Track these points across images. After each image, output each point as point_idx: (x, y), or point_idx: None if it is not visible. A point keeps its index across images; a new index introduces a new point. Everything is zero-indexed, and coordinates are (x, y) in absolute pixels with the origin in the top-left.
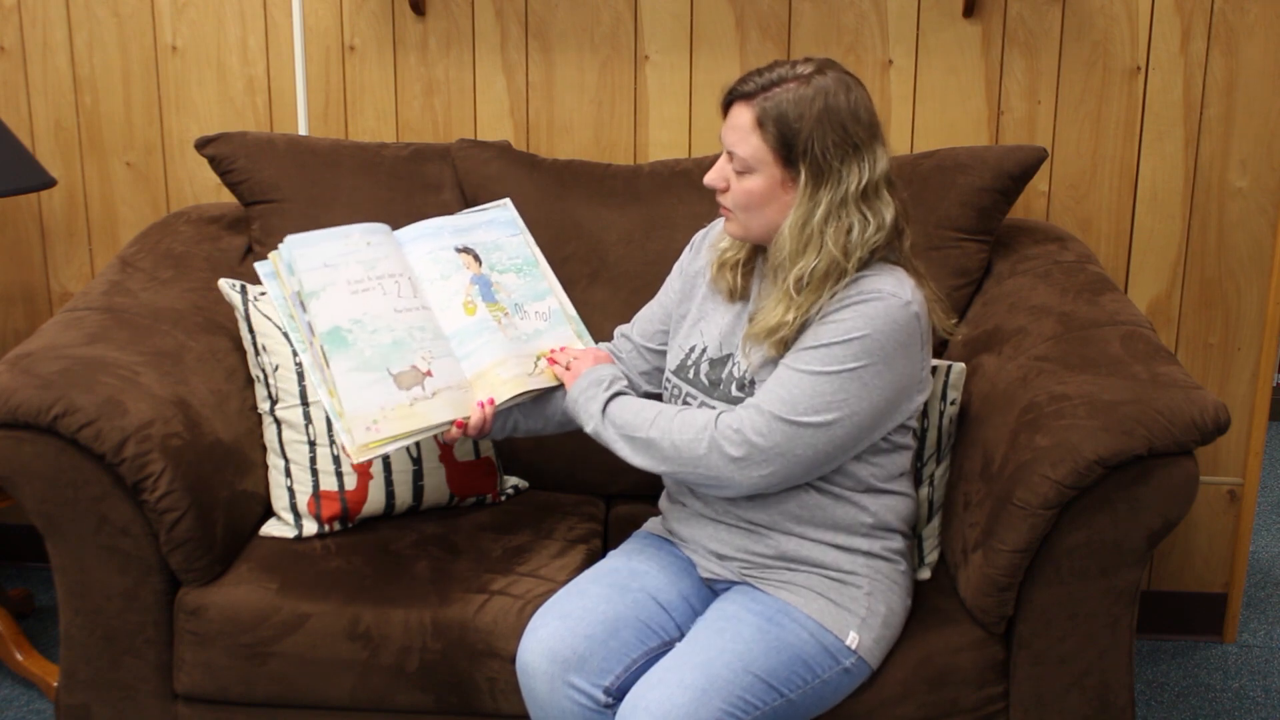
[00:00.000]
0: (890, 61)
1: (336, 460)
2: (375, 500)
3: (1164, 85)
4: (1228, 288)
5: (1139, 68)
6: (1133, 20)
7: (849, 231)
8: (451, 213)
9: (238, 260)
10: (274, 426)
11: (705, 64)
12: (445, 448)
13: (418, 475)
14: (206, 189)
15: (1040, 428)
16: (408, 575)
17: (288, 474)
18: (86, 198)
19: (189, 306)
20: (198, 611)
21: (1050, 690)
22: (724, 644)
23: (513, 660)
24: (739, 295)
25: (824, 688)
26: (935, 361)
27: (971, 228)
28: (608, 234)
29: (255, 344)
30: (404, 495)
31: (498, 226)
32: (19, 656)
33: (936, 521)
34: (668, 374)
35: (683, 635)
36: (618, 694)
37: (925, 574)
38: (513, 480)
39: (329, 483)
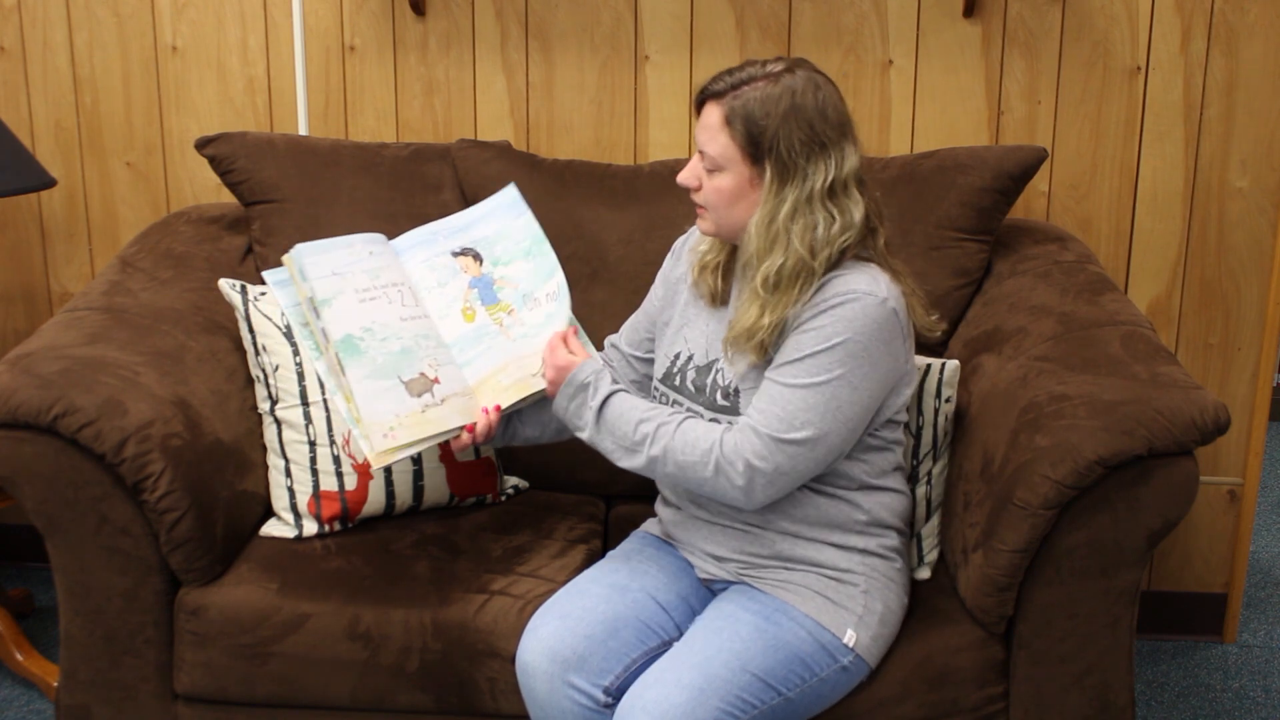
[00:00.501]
0: (890, 61)
1: (336, 460)
2: (375, 500)
3: (1164, 85)
4: (1228, 288)
5: (1139, 68)
6: (1133, 20)
7: (815, 229)
8: (452, 213)
9: (238, 260)
10: (274, 426)
11: (705, 64)
12: (445, 448)
13: (418, 475)
14: (206, 189)
15: (1040, 428)
16: (408, 575)
17: (288, 474)
18: (86, 198)
19: (189, 306)
20: (198, 611)
21: (1050, 690)
22: (721, 643)
23: (513, 660)
24: (720, 299)
25: (822, 686)
26: (930, 359)
27: (971, 228)
28: (608, 234)
29: (255, 344)
30: (404, 495)
31: (501, 213)
32: (19, 656)
33: (935, 520)
34: (655, 381)
35: (682, 635)
36: (617, 694)
37: (925, 573)
38: (513, 480)
39: (329, 483)
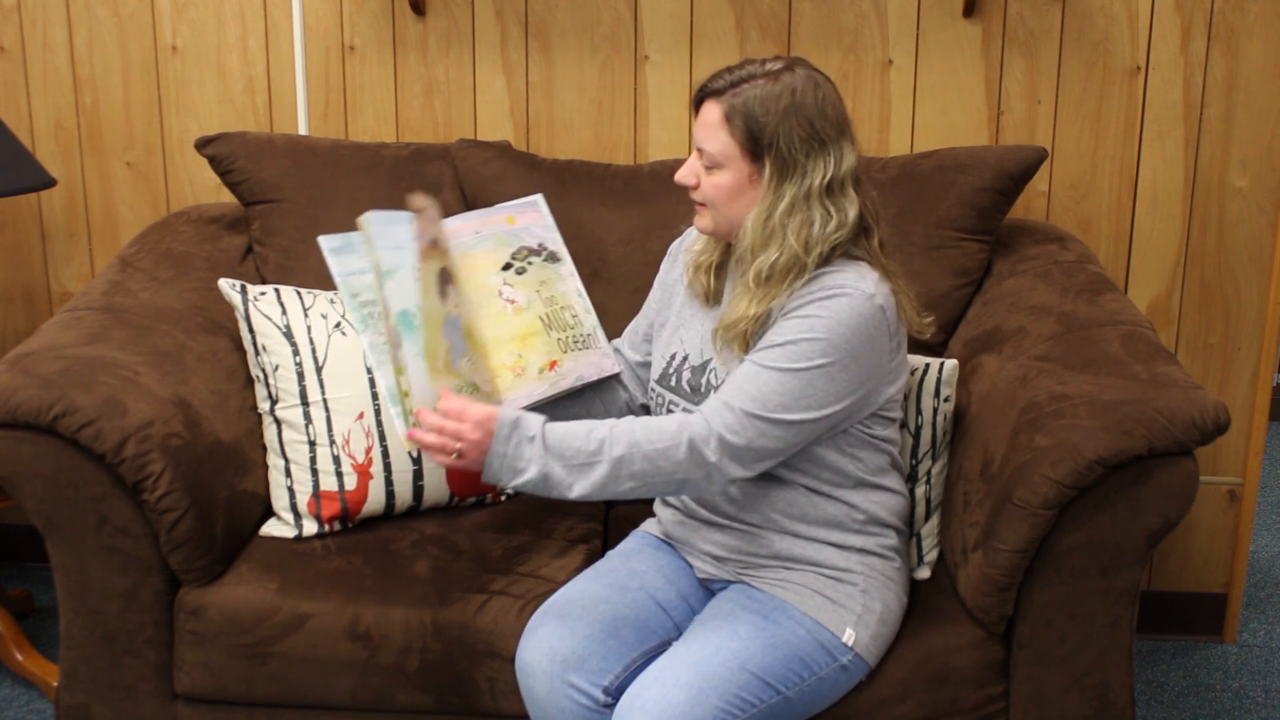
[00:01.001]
0: (890, 61)
1: (336, 460)
2: (375, 500)
3: (1164, 85)
4: (1228, 288)
5: (1139, 68)
6: (1133, 20)
7: (811, 226)
8: (452, 213)
9: (238, 260)
10: (274, 426)
11: (705, 64)
12: None
13: (418, 475)
14: (206, 189)
15: (1040, 428)
16: (408, 575)
17: (288, 474)
18: (86, 198)
19: (189, 306)
20: (198, 611)
21: (1050, 690)
22: (720, 642)
23: (512, 660)
24: (713, 299)
25: (821, 685)
26: (929, 359)
27: (971, 228)
28: (608, 234)
29: (255, 344)
30: (404, 495)
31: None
32: (19, 656)
33: (935, 520)
34: (651, 383)
35: (681, 635)
36: (617, 693)
37: (925, 573)
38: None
39: (329, 483)
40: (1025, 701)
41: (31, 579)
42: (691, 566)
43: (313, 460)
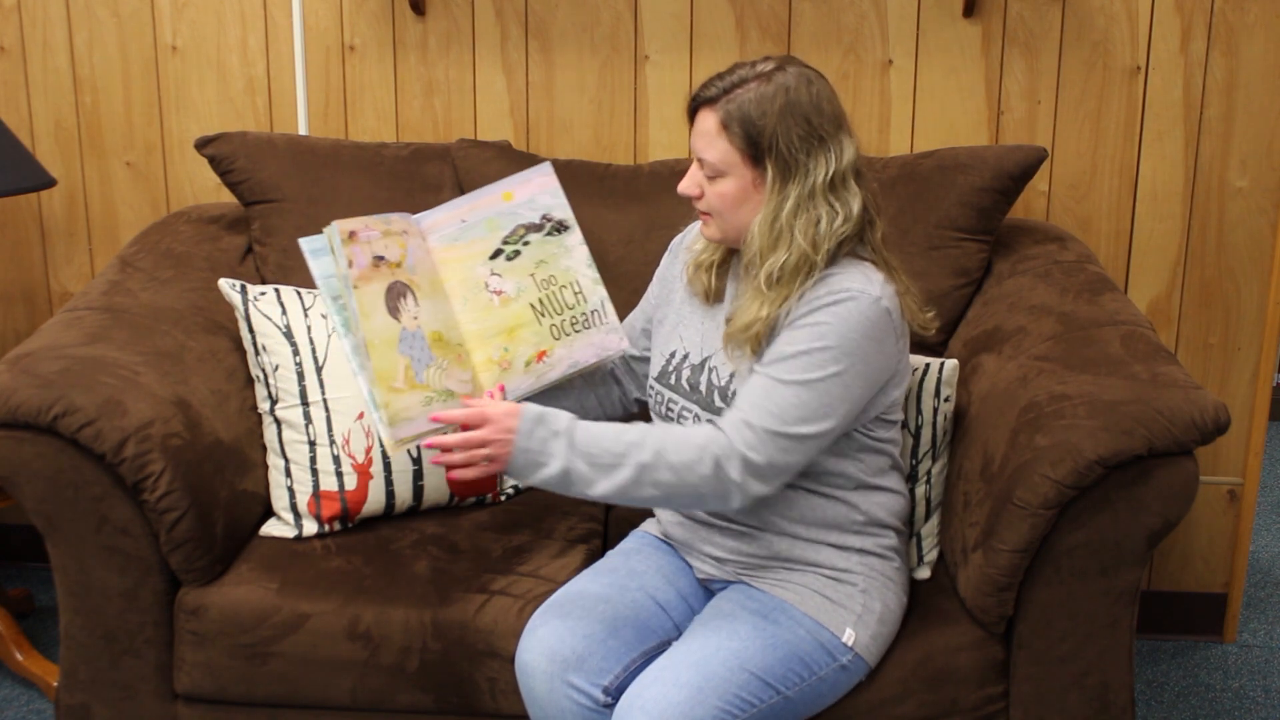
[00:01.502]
0: (890, 61)
1: (336, 460)
2: (375, 500)
3: (1164, 85)
4: (1228, 288)
5: (1139, 68)
6: (1133, 20)
7: (818, 223)
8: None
9: (238, 260)
10: (274, 426)
11: (705, 64)
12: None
13: (418, 475)
14: (206, 189)
15: (1040, 428)
16: (408, 575)
17: (288, 474)
18: (86, 198)
19: (189, 306)
20: (198, 611)
21: (1050, 690)
22: (720, 642)
23: (512, 660)
24: (714, 297)
25: (821, 685)
26: (929, 359)
27: (971, 228)
28: (608, 234)
29: (255, 344)
30: (404, 495)
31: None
32: (19, 656)
33: (935, 520)
34: (650, 380)
35: (681, 635)
36: (616, 693)
37: (925, 573)
38: (513, 480)
39: (329, 483)
40: (1025, 701)
41: (31, 579)
42: (691, 567)
43: (313, 460)
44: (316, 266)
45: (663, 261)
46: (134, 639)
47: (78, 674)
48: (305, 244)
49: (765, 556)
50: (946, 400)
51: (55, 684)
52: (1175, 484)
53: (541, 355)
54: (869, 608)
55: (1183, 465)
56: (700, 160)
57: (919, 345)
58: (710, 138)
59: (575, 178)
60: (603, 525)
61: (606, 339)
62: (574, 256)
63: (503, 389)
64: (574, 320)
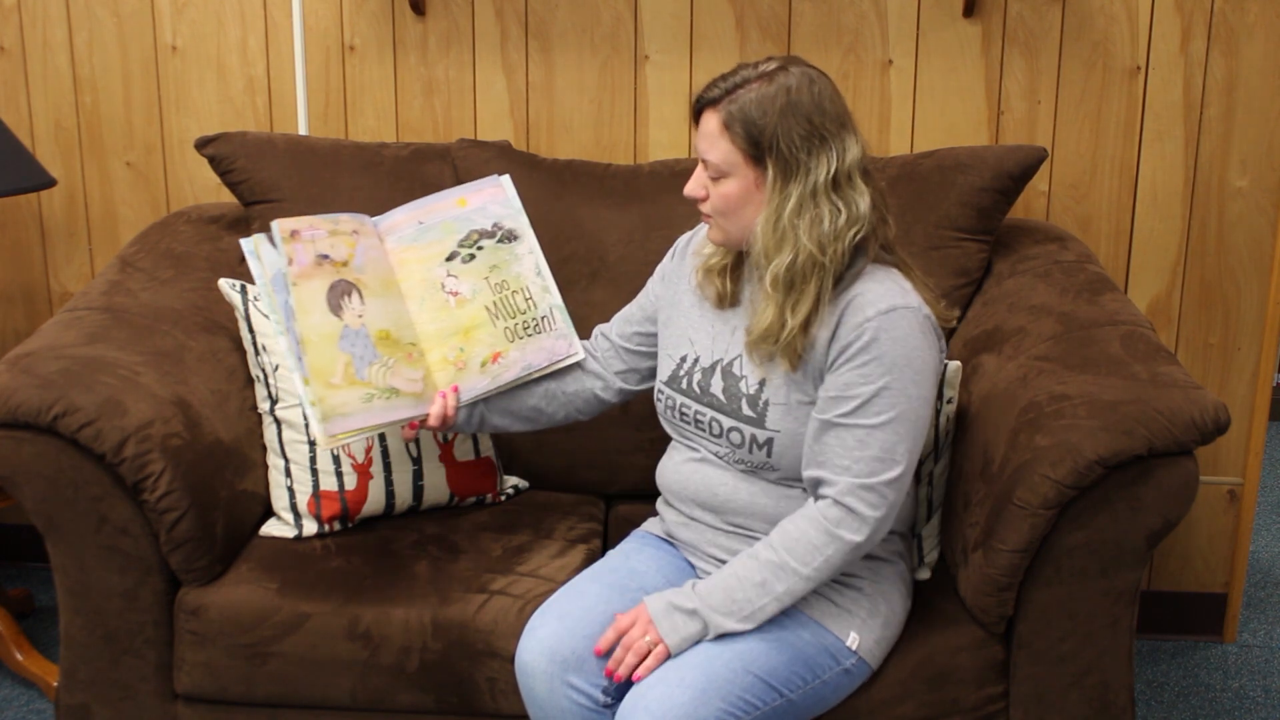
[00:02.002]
0: (890, 61)
1: (336, 460)
2: (375, 500)
3: (1164, 85)
4: (1228, 288)
5: (1139, 68)
6: (1133, 20)
7: (821, 223)
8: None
9: (238, 260)
10: (274, 426)
11: (705, 64)
12: (445, 448)
13: (418, 475)
14: (206, 189)
15: (1040, 428)
16: (408, 575)
17: (288, 474)
18: (86, 198)
19: (189, 306)
20: (198, 611)
21: (1050, 690)
22: (724, 643)
23: (512, 660)
24: (729, 301)
25: (824, 688)
26: None
27: (971, 228)
28: (608, 234)
29: (255, 344)
30: (404, 495)
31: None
32: (19, 656)
33: (936, 521)
34: (659, 385)
35: None
36: (616, 694)
37: (925, 574)
38: (513, 480)
39: (329, 482)
40: (1025, 701)
41: (31, 579)
42: (694, 567)
43: (313, 460)
44: (254, 266)
45: (665, 260)
46: (134, 639)
47: (78, 674)
48: (245, 244)
49: None
50: (949, 402)
51: (55, 684)
52: (1175, 484)
53: (496, 356)
54: (873, 611)
55: (1183, 465)
56: (704, 162)
57: None
58: (713, 139)
59: (575, 178)
60: (603, 525)
61: (556, 344)
62: (523, 264)
63: (457, 389)
64: (525, 325)
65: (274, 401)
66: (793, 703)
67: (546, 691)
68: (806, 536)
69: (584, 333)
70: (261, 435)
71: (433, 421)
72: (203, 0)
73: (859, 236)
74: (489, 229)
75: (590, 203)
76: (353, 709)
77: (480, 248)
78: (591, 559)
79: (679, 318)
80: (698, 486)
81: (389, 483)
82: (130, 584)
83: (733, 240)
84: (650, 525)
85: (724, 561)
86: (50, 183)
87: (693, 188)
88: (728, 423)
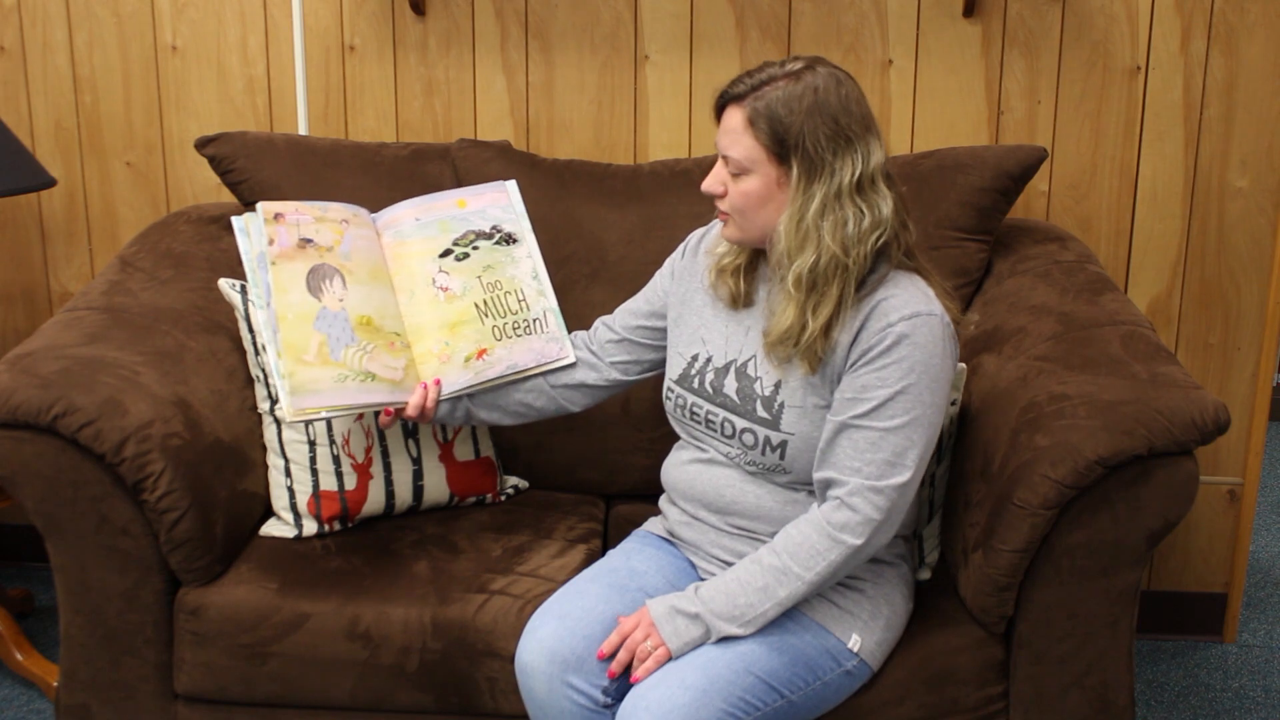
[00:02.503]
0: (890, 61)
1: (336, 460)
2: (375, 500)
3: (1164, 85)
4: (1228, 288)
5: (1139, 68)
6: (1133, 20)
7: (845, 225)
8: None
9: (238, 260)
10: (274, 426)
11: (705, 64)
12: (445, 446)
13: (418, 475)
14: (206, 189)
15: (1040, 428)
16: (408, 575)
17: (288, 474)
18: (86, 198)
19: (189, 306)
20: (198, 611)
21: (1050, 690)
22: (725, 645)
23: (512, 660)
24: (743, 301)
25: (825, 689)
26: None
27: (971, 228)
28: (608, 234)
29: (255, 344)
30: (404, 495)
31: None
32: (19, 656)
33: (937, 521)
34: (669, 383)
35: None
36: (616, 694)
37: (925, 574)
38: (513, 480)
39: (329, 482)
40: (1025, 701)
41: (31, 579)
42: (695, 566)
43: (312, 460)
44: (242, 243)
45: (674, 256)
46: (134, 639)
47: (78, 674)
48: (236, 222)
49: None
50: (953, 404)
51: (55, 684)
52: (1175, 484)
53: (481, 353)
54: (875, 614)
55: (1183, 465)
56: (725, 157)
57: None
58: (736, 134)
59: (575, 178)
60: (603, 525)
61: (547, 346)
62: (519, 267)
63: (439, 382)
64: (515, 325)
65: (274, 401)
66: (793, 704)
67: (546, 691)
68: (809, 541)
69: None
70: (261, 435)
71: (410, 411)
72: (203, 0)
73: (881, 241)
74: (486, 230)
75: (590, 203)
76: (353, 709)
77: (475, 247)
78: (591, 559)
79: (690, 316)
80: (704, 487)
81: (389, 483)
82: (130, 584)
83: (749, 238)
84: (651, 525)
85: (726, 562)
86: (50, 183)
87: (711, 183)
88: (741, 424)
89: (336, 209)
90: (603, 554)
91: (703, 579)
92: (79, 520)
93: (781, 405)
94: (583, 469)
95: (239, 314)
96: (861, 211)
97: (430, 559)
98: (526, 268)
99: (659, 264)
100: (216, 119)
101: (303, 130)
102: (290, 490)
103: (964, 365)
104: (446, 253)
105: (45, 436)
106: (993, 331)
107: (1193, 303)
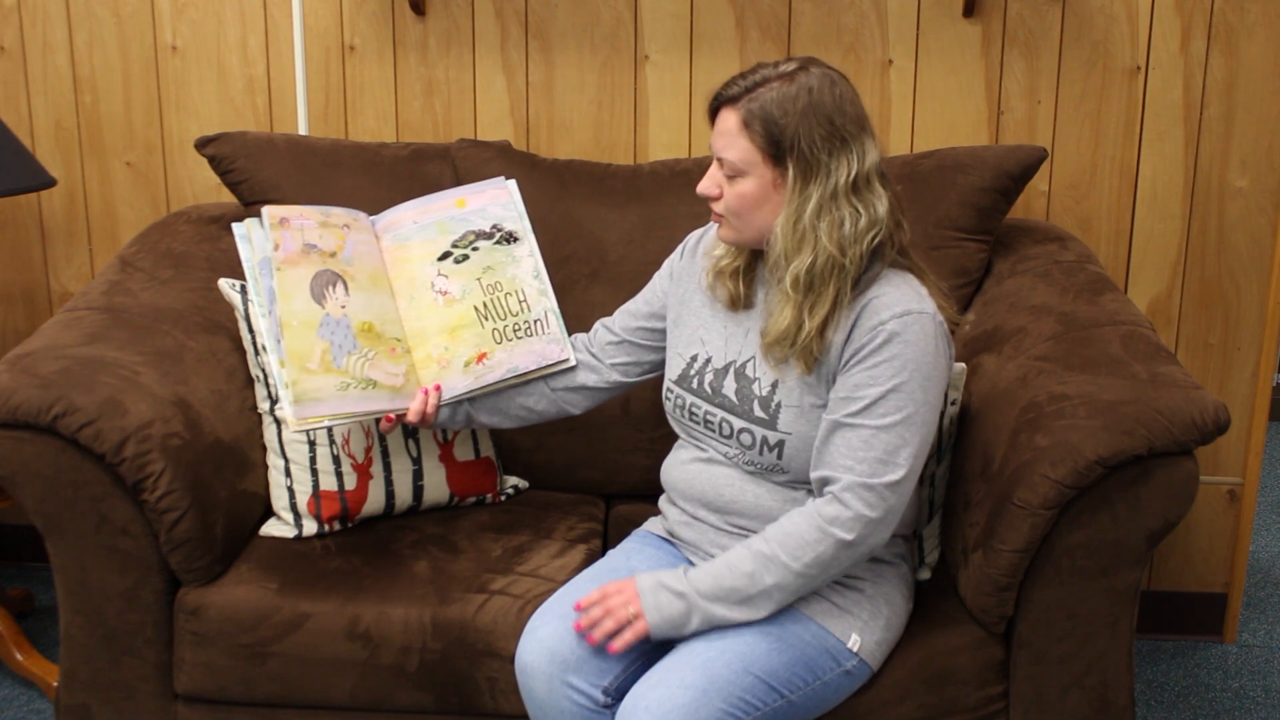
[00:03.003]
0: (890, 61)
1: (336, 460)
2: (375, 500)
3: (1164, 85)
4: (1228, 288)
5: (1139, 68)
6: (1133, 20)
7: (842, 225)
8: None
9: (238, 260)
10: (274, 426)
11: (705, 64)
12: (445, 447)
13: (418, 475)
14: (206, 189)
15: (1040, 428)
16: (408, 575)
17: (287, 474)
18: (86, 198)
19: (189, 306)
20: (198, 611)
21: (1050, 690)
22: (725, 644)
23: (512, 660)
24: (742, 303)
25: (825, 689)
26: None
27: (971, 228)
28: (608, 234)
29: (255, 344)
30: (404, 495)
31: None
32: (19, 656)
33: (937, 521)
34: (668, 384)
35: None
36: (616, 694)
37: (925, 574)
38: (513, 480)
39: (329, 482)
40: (1025, 701)
41: (31, 579)
42: (694, 566)
43: (312, 460)
44: (244, 249)
45: (673, 257)
46: (134, 639)
47: (78, 674)
48: (237, 229)
49: None
50: (953, 403)
51: (55, 684)
52: (1175, 484)
53: (481, 357)
54: (875, 613)
55: (1183, 465)
56: (720, 160)
57: None
58: (731, 136)
59: (575, 178)
60: (603, 525)
61: (547, 348)
62: (521, 267)
63: (439, 388)
64: (516, 327)
65: (274, 401)
66: (793, 704)
67: (546, 691)
68: (799, 531)
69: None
70: (261, 435)
71: (411, 417)
72: (203, 0)
73: (876, 240)
74: (487, 230)
75: (590, 203)
76: (353, 709)
77: (475, 248)
78: (591, 559)
79: (689, 317)
80: (704, 486)
81: (389, 483)
82: (130, 584)
83: (745, 240)
84: (651, 525)
85: None
86: (50, 183)
87: (706, 186)
88: (739, 424)
89: (338, 214)
90: (603, 554)
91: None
92: (79, 520)
93: (778, 405)
94: (583, 469)
95: (239, 314)
96: (858, 211)
97: (430, 559)
98: (528, 266)
99: (659, 264)
100: (216, 119)
101: (303, 130)
102: (290, 490)
103: (963, 365)
104: (445, 255)
105: (45, 436)
106: (993, 331)
107: (1193, 303)
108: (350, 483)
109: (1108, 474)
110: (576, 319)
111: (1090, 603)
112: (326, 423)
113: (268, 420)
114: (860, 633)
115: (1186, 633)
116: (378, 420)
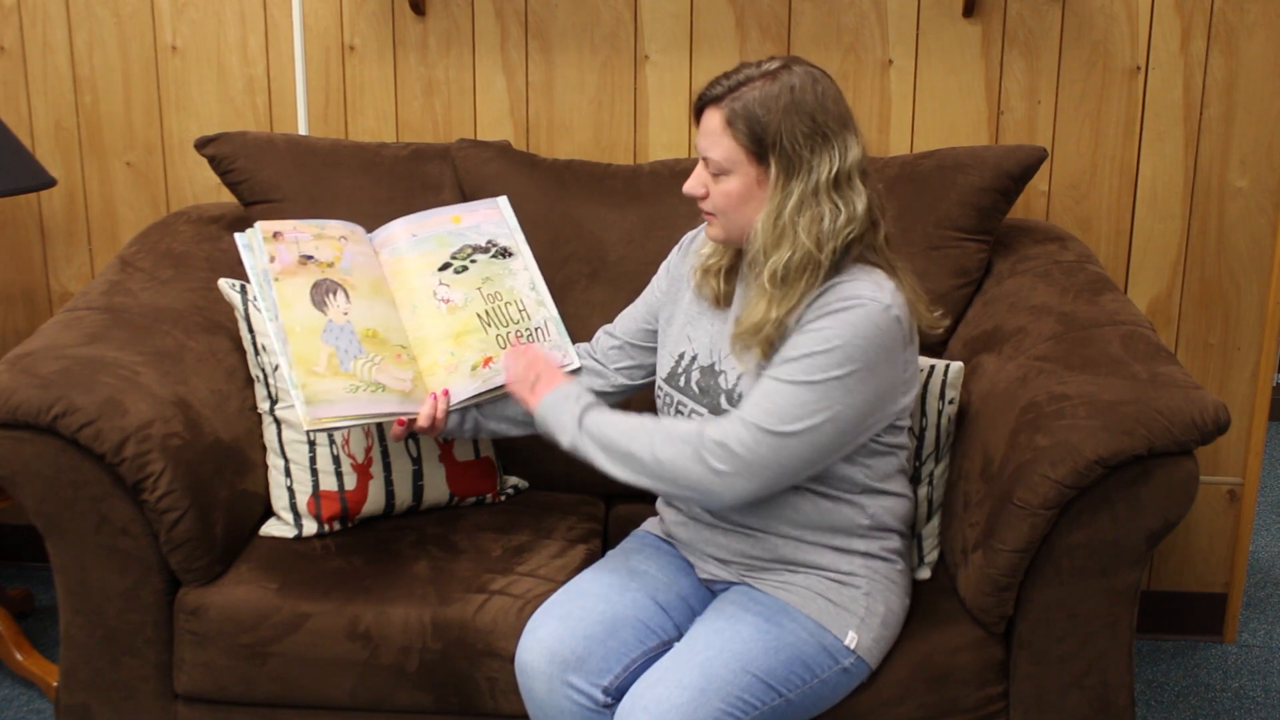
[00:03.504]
0: (890, 61)
1: (336, 460)
2: (375, 500)
3: (1164, 85)
4: (1228, 288)
5: (1139, 68)
6: (1133, 20)
7: (821, 221)
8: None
9: (238, 260)
10: (274, 426)
11: (705, 64)
12: (445, 448)
13: (418, 475)
14: (206, 189)
15: (1040, 428)
16: (408, 575)
17: (287, 474)
18: (86, 198)
19: (189, 306)
20: (198, 611)
21: (1050, 690)
22: (723, 644)
23: (512, 660)
24: (724, 302)
25: (823, 688)
26: (934, 360)
27: (971, 228)
28: (608, 234)
29: (255, 344)
30: (404, 495)
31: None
32: (19, 656)
33: (936, 521)
34: (658, 382)
35: (681, 635)
36: (616, 694)
37: (925, 574)
38: (513, 480)
39: (329, 482)
40: (1025, 701)
41: (31, 579)
42: (693, 567)
43: (312, 460)
44: (248, 259)
45: (671, 255)
46: (134, 639)
47: (78, 674)
48: (239, 238)
49: (769, 559)
50: (951, 403)
51: (55, 684)
52: (1175, 484)
53: (487, 361)
54: (872, 610)
55: (1183, 465)
56: (705, 159)
57: (920, 346)
58: (715, 136)
59: (575, 178)
60: (603, 525)
61: (550, 354)
62: (517, 279)
63: (447, 392)
64: (518, 334)
65: (274, 401)
66: (791, 702)
67: (546, 691)
68: (681, 430)
69: (583, 333)
70: (261, 435)
71: (422, 421)
72: (203, 0)
73: (850, 237)
74: (483, 245)
75: (590, 203)
76: (353, 709)
77: (473, 261)
78: (591, 559)
79: (679, 314)
80: None
81: (389, 483)
82: (130, 584)
83: (733, 237)
84: (650, 525)
85: (723, 561)
86: (50, 183)
87: (692, 185)
88: (709, 419)
89: (334, 226)
90: (602, 554)
91: (702, 579)
92: (79, 520)
93: (740, 396)
94: (583, 469)
95: (239, 314)
96: (837, 208)
97: (430, 559)
98: (524, 279)
99: (659, 264)
100: (216, 119)
101: (303, 130)
102: (290, 490)
103: (960, 365)
104: (445, 266)
105: (45, 436)
106: (993, 331)
107: (1193, 303)
108: (350, 483)
109: (1108, 474)
110: (577, 319)
111: (1090, 603)
112: (340, 424)
113: (268, 420)
114: (857, 630)
115: (1186, 633)
116: (382, 427)
